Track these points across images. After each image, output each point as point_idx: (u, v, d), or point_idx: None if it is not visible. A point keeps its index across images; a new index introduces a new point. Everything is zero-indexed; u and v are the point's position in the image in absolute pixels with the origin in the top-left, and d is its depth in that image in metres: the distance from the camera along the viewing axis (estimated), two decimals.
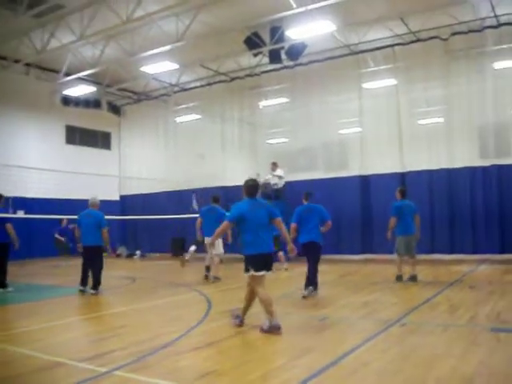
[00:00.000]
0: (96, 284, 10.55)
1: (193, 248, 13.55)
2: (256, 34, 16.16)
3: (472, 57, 16.27)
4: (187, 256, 13.77)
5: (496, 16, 15.32)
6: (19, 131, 20.57)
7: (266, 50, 16.77)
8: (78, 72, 18.29)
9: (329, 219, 9.61)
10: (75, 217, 11.44)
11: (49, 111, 21.40)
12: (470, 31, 15.81)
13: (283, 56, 17.20)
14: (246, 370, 4.95)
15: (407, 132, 17.25)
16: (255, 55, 17.68)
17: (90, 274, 10.74)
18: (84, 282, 10.70)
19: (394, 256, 11.39)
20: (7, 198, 17.53)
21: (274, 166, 17.11)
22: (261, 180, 17.97)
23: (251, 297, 6.86)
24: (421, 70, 16.78)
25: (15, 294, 11.01)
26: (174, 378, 4.79)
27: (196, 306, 8.87)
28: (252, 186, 6.99)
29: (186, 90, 22.63)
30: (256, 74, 20.07)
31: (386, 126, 17.47)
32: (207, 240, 12.16)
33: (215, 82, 21.35)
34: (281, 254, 14.19)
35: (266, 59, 17.91)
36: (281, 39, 15.92)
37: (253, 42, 16.32)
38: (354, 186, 17.97)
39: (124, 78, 20.31)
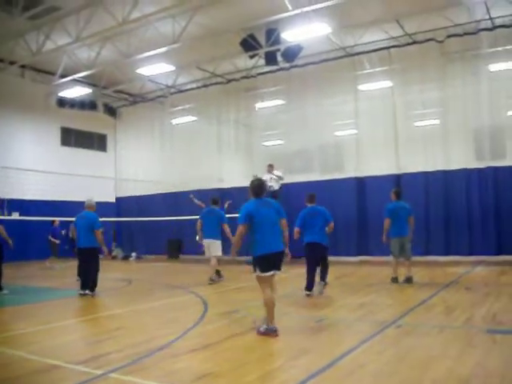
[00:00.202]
0: (92, 286, 10.53)
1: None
2: (252, 36, 16.18)
3: (467, 59, 16.33)
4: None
5: (491, 18, 15.40)
6: (15, 133, 20.54)
7: (261, 51, 16.80)
8: (74, 74, 18.28)
9: (331, 220, 9.80)
10: (70, 219, 11.43)
11: (44, 113, 21.39)
12: (466, 34, 15.88)
13: (279, 58, 17.23)
14: (243, 372, 4.95)
15: (403, 134, 17.29)
16: (251, 57, 17.71)
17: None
18: (84, 285, 10.61)
19: (390, 258, 11.42)
20: (2, 200, 17.60)
21: (271, 167, 17.11)
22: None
23: (275, 296, 6.75)
24: (416, 72, 16.83)
25: (12, 296, 10.97)
26: (170, 381, 4.79)
27: (192, 308, 8.86)
28: (257, 186, 6.90)
29: (182, 91, 22.65)
30: (252, 76, 20.09)
31: (382, 128, 17.50)
32: (207, 242, 12.29)
33: (211, 84, 21.38)
34: None
35: (262, 61, 17.93)
36: (277, 41, 15.94)
37: (249, 44, 16.35)
38: (349, 188, 18.00)
39: (120, 80, 20.29)
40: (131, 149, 24.71)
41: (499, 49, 15.62)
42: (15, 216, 16.93)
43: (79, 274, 11.18)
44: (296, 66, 18.62)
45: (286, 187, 17.90)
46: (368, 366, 5.03)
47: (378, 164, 17.52)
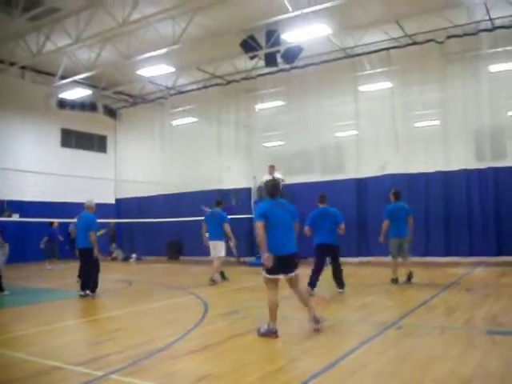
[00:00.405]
0: (93, 286, 10.53)
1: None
2: (252, 37, 16.18)
3: (467, 60, 16.35)
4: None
5: (491, 19, 15.40)
6: (15, 134, 20.54)
7: (261, 53, 16.79)
8: (74, 75, 18.27)
9: (342, 221, 9.93)
10: (69, 220, 11.42)
11: (44, 114, 21.39)
12: (466, 34, 15.89)
13: (279, 59, 17.21)
14: (244, 373, 4.94)
15: (403, 135, 17.30)
16: (251, 58, 17.71)
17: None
18: (84, 286, 10.61)
19: (390, 259, 11.42)
20: (2, 202, 17.59)
21: (272, 168, 17.08)
22: (257, 183, 18.03)
23: (302, 299, 6.74)
24: (417, 73, 16.85)
25: (12, 298, 10.97)
26: (170, 382, 4.79)
27: (192, 309, 8.85)
28: (272, 186, 6.84)
29: (182, 92, 22.66)
30: (252, 77, 20.09)
31: (382, 128, 17.52)
32: (211, 243, 12.42)
33: (211, 85, 21.39)
34: None
35: (262, 62, 17.92)
36: (277, 42, 15.94)
37: (249, 45, 16.34)
38: (350, 189, 18.00)
39: (120, 81, 20.28)
40: (131, 150, 24.70)
41: (499, 49, 15.63)
42: (15, 217, 16.89)
43: (80, 275, 11.19)
44: (296, 67, 18.63)
45: (286, 188, 17.85)
46: (369, 367, 5.03)
47: (378, 165, 17.53)
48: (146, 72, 17.81)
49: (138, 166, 23.67)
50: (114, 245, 23.33)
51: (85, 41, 15.97)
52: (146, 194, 23.24)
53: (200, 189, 20.80)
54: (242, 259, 18.58)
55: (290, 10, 13.59)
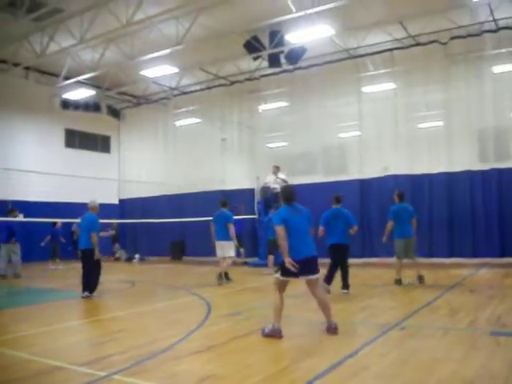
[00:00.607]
0: (92, 287, 10.48)
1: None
2: (255, 38, 16.19)
3: (471, 61, 16.32)
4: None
5: (495, 20, 15.37)
6: (19, 134, 20.58)
7: (265, 53, 16.81)
8: (78, 75, 18.31)
9: (354, 224, 10.18)
10: (72, 220, 11.42)
11: (48, 115, 21.44)
12: (469, 35, 15.86)
13: (282, 60, 17.23)
14: (247, 374, 4.94)
15: (406, 136, 17.29)
16: (255, 59, 17.72)
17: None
18: (84, 287, 10.58)
19: (393, 260, 11.42)
20: (6, 202, 17.64)
21: (277, 169, 17.09)
22: (260, 184, 18.02)
23: (321, 303, 6.72)
24: (420, 74, 16.84)
25: (14, 298, 10.99)
26: (173, 383, 4.79)
27: (196, 310, 8.85)
28: (289, 193, 6.92)
29: (185, 93, 22.69)
30: (255, 78, 20.10)
31: (386, 129, 17.52)
32: (219, 244, 12.56)
33: (215, 86, 21.42)
34: (271, 257, 14.32)
35: (266, 63, 17.95)
36: (280, 43, 15.95)
37: (252, 46, 16.35)
38: (353, 190, 17.96)
39: (124, 82, 20.31)
40: (135, 150, 24.75)
41: (503, 50, 15.61)
42: (20, 218, 16.92)
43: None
44: (299, 68, 18.63)
45: None
46: (371, 368, 5.02)
47: (381, 166, 17.51)
48: (149, 72, 17.83)
49: (142, 167, 23.73)
50: (117, 245, 23.34)
51: (88, 41, 16.01)
52: (149, 195, 23.29)
53: (203, 189, 20.82)
54: (245, 260, 18.56)
55: (294, 10, 13.59)
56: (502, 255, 15.30)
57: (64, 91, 20.05)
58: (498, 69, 15.96)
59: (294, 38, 15.25)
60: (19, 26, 15.28)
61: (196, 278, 14.71)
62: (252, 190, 19.53)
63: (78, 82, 19.00)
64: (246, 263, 18.07)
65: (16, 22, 14.84)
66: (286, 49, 16.46)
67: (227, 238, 12.50)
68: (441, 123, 17.04)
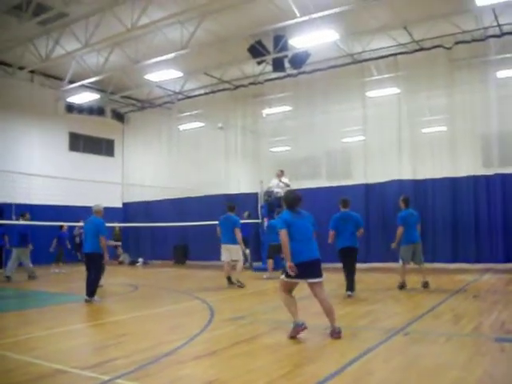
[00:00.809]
0: (91, 292, 10.38)
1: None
2: (260, 43, 16.23)
3: (475, 66, 16.29)
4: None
5: (499, 25, 15.37)
6: (23, 138, 20.63)
7: (269, 58, 16.85)
8: (82, 79, 18.40)
9: (362, 226, 10.51)
10: (75, 224, 11.42)
11: (53, 118, 21.55)
12: (474, 40, 15.89)
13: (287, 64, 17.27)
14: (250, 379, 4.92)
15: (410, 141, 17.27)
16: (259, 63, 17.76)
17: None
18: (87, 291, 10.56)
19: (397, 264, 11.41)
20: (10, 205, 17.69)
21: (281, 173, 17.13)
22: (264, 188, 18.03)
23: (325, 307, 6.75)
24: (424, 79, 16.82)
25: (17, 301, 11.00)
26: None
27: (199, 314, 8.83)
28: (293, 199, 6.98)
29: (189, 97, 22.74)
30: (259, 82, 20.15)
31: (390, 134, 17.49)
32: (225, 247, 12.60)
33: (219, 90, 21.47)
34: (270, 261, 14.46)
35: (270, 67, 17.98)
36: (284, 48, 15.99)
37: (256, 51, 16.39)
38: (357, 195, 17.85)
39: (128, 86, 20.38)
40: (138, 154, 24.82)
41: (507, 55, 15.61)
42: (23, 221, 16.95)
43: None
44: (303, 73, 18.66)
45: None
46: (375, 374, 5.00)
47: (385, 170, 17.49)
48: (153, 77, 17.88)
49: (145, 171, 23.77)
50: (120, 249, 23.34)
51: (93, 45, 16.10)
52: (152, 199, 23.31)
53: (206, 193, 20.83)
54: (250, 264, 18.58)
55: (298, 15, 13.64)
56: (506, 261, 15.24)
57: (69, 95, 20.15)
58: (502, 74, 15.93)
59: (298, 42, 15.29)
60: (25, 29, 15.36)
61: (199, 282, 14.69)
62: (256, 195, 19.53)
63: (83, 85, 19.10)
64: (250, 267, 18.07)
65: (21, 25, 14.93)
66: (290, 53, 16.51)
67: (233, 241, 12.53)
68: (445, 128, 17.02)
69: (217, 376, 5.05)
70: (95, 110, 21.94)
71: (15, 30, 15.33)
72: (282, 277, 6.73)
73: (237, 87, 21.00)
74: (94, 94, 20.17)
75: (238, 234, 12.53)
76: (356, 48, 17.61)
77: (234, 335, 6.94)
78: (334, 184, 18.37)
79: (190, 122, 22.66)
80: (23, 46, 16.87)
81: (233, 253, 12.57)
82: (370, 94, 18.06)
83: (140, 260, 22.67)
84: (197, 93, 22.44)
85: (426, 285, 10.97)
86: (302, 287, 6.93)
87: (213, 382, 4.86)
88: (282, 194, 17.07)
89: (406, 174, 17.16)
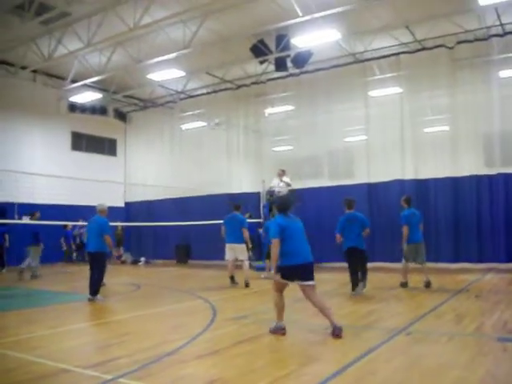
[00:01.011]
0: (94, 290, 10.42)
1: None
2: (262, 42, 16.23)
3: (478, 65, 16.24)
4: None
5: (502, 24, 15.34)
6: (25, 137, 20.66)
7: (271, 57, 16.84)
8: (85, 79, 18.41)
9: (368, 226, 10.75)
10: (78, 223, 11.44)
11: (55, 117, 21.57)
12: (476, 40, 15.86)
13: (289, 64, 17.27)
14: (252, 378, 4.93)
15: (413, 140, 17.23)
16: (261, 63, 17.77)
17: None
18: (91, 290, 10.57)
19: (400, 264, 11.43)
20: (12, 204, 17.72)
21: (282, 172, 17.14)
22: (266, 187, 18.03)
23: (319, 308, 6.81)
24: (426, 79, 16.79)
25: (20, 300, 11.01)
26: None
27: (201, 314, 8.84)
28: (283, 203, 7.19)
29: (191, 97, 22.74)
30: (262, 82, 20.15)
31: (392, 134, 17.45)
32: (231, 246, 12.56)
33: (221, 90, 21.46)
34: (268, 261, 14.46)
35: (272, 67, 17.98)
36: (287, 47, 15.98)
37: (259, 50, 16.39)
38: (359, 194, 17.76)
39: (130, 85, 20.40)
40: (141, 153, 24.84)
41: (510, 55, 15.57)
42: (25, 220, 17.00)
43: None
44: (306, 72, 18.65)
45: (296, 192, 17.82)
46: (377, 374, 5.00)
47: (387, 170, 17.46)
48: (156, 76, 17.88)
49: (148, 170, 23.79)
50: (121, 248, 23.36)
51: (96, 45, 16.10)
52: (155, 198, 23.33)
53: (209, 193, 20.84)
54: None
55: (300, 14, 13.62)
56: (509, 260, 15.20)
57: (71, 94, 20.16)
58: (504, 73, 15.89)
59: (301, 41, 15.27)
60: (27, 29, 15.36)
61: (201, 281, 14.70)
62: (258, 194, 19.53)
63: (85, 85, 19.11)
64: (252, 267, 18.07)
65: (24, 25, 14.93)
66: (292, 53, 16.50)
67: (239, 241, 12.54)
68: (447, 128, 16.98)
69: (219, 375, 5.06)
70: (97, 110, 21.95)
71: (17, 29, 15.33)
72: (277, 278, 6.76)
73: (239, 87, 20.99)
74: (96, 94, 20.18)
75: (246, 233, 12.60)
76: (358, 47, 17.59)
77: (236, 334, 6.95)
78: (336, 183, 18.33)
79: (192, 122, 22.65)
80: (25, 45, 16.88)
81: (238, 252, 12.55)
82: (373, 93, 18.03)
83: (142, 259, 22.68)
84: (199, 92, 22.44)
85: (428, 284, 11.01)
86: (291, 294, 6.98)
87: (215, 381, 4.87)
88: (284, 193, 17.23)
89: (409, 174, 17.14)
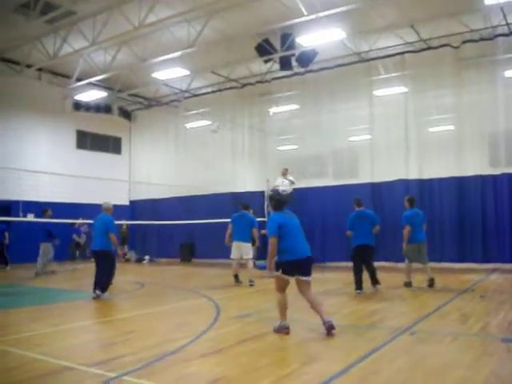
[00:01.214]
0: (103, 287, 10.47)
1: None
2: (267, 41, 16.22)
3: (483, 65, 16.19)
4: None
5: (508, 24, 15.28)
6: (30, 135, 20.72)
7: (276, 56, 16.83)
8: (90, 77, 18.46)
9: (378, 223, 10.85)
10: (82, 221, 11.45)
11: (60, 116, 21.62)
12: (482, 39, 15.79)
13: (294, 63, 17.26)
14: (256, 377, 4.93)
15: (417, 140, 17.19)
16: (266, 62, 17.75)
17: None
18: (95, 287, 10.61)
19: (403, 264, 11.42)
20: (17, 202, 17.77)
21: (286, 171, 17.15)
22: (271, 186, 18.01)
23: (312, 305, 6.84)
24: (431, 78, 16.73)
25: (24, 298, 11.04)
26: None
27: (205, 312, 8.85)
28: (278, 202, 7.17)
29: (196, 95, 22.75)
30: (266, 81, 20.13)
31: (396, 133, 17.40)
32: (237, 244, 12.57)
33: (226, 89, 21.45)
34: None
35: (277, 66, 17.99)
36: (291, 46, 15.98)
37: (264, 49, 16.38)
38: (363, 194, 17.70)
39: (135, 84, 20.43)
40: (145, 152, 24.85)
41: None
42: (30, 218, 17.05)
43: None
44: (311, 71, 18.62)
45: (299, 192, 17.81)
46: (381, 374, 5.00)
47: (391, 169, 17.42)
48: (160, 75, 17.93)
49: (152, 168, 23.81)
50: (125, 246, 23.40)
51: (101, 43, 16.13)
52: (159, 196, 23.37)
53: (213, 191, 20.85)
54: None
55: (305, 13, 13.62)
56: None
57: (76, 93, 20.23)
58: (510, 73, 15.83)
59: (306, 41, 15.28)
60: (32, 27, 15.42)
61: (206, 280, 14.72)
62: (262, 193, 19.54)
63: (90, 83, 19.17)
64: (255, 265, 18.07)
65: (29, 23, 14.99)
66: (297, 52, 16.49)
67: (246, 239, 12.59)
68: (452, 127, 16.94)
69: (223, 374, 5.07)
70: (102, 108, 22.00)
71: (23, 28, 15.39)
72: (279, 273, 6.77)
73: (244, 86, 20.98)
74: (101, 92, 20.24)
75: (256, 233, 12.77)
76: (363, 47, 17.57)
77: (240, 333, 6.95)
78: (341, 183, 18.31)
79: (196, 121, 22.66)
80: (31, 44, 16.94)
81: (244, 250, 12.56)
82: (377, 92, 18.01)
83: (146, 257, 22.73)
84: (204, 91, 22.45)
85: (431, 282, 10.96)
86: (294, 292, 6.99)
87: (219, 379, 4.87)
88: (288, 192, 17.23)
89: (413, 174, 17.09)
